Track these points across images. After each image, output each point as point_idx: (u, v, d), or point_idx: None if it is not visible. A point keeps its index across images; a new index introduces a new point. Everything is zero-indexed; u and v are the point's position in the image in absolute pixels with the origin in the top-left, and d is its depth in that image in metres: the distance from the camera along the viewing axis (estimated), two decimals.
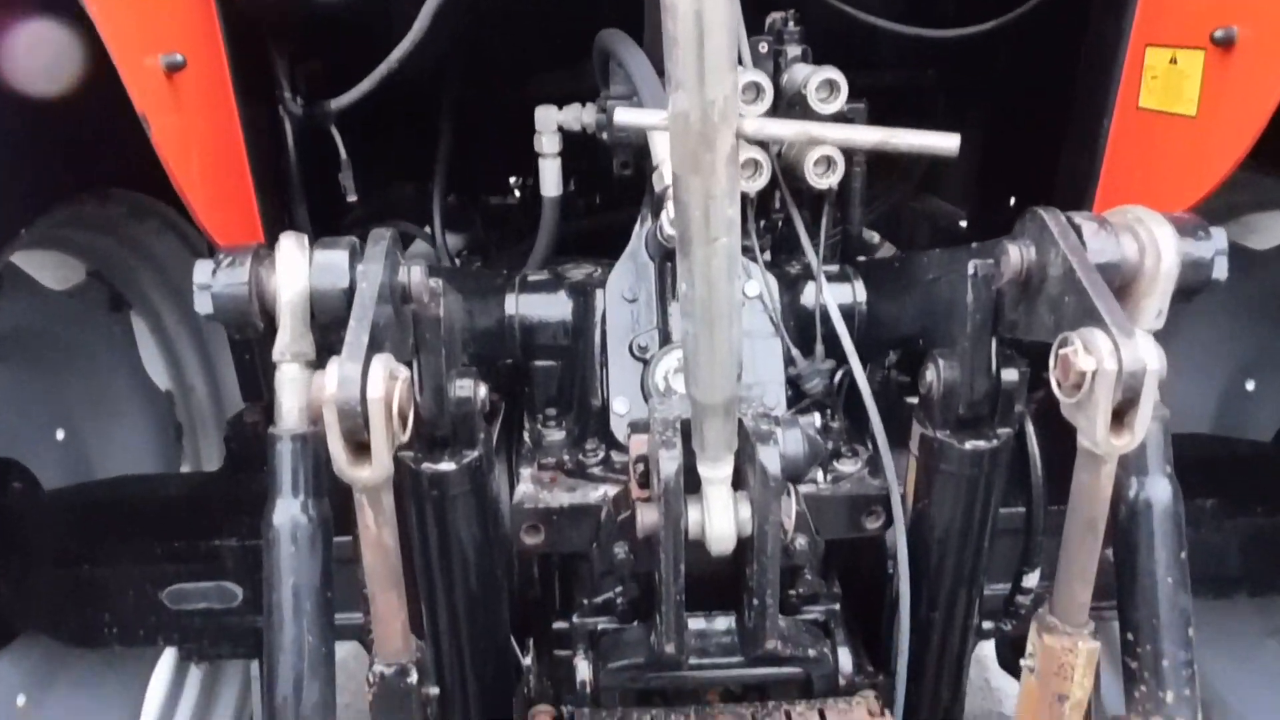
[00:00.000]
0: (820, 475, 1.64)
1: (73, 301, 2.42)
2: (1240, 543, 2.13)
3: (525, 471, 1.71)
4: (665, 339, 1.73)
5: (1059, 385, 1.26)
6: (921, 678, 1.74)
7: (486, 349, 1.83)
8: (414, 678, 1.34)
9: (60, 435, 2.49)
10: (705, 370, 1.25)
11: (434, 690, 1.41)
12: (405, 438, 1.23)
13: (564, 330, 1.84)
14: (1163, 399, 1.46)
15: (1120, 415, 1.22)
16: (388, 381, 1.18)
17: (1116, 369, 1.17)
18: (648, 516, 1.45)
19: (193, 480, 2.53)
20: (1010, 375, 1.55)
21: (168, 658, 2.69)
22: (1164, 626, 1.36)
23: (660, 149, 1.67)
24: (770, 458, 1.38)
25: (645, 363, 1.72)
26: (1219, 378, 2.62)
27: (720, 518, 1.41)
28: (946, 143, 1.05)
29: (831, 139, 1.13)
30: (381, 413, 1.16)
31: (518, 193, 3.18)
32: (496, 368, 1.94)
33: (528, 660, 1.67)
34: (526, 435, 1.84)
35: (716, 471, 1.39)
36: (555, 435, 1.79)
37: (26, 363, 2.33)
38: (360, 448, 1.20)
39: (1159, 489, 1.40)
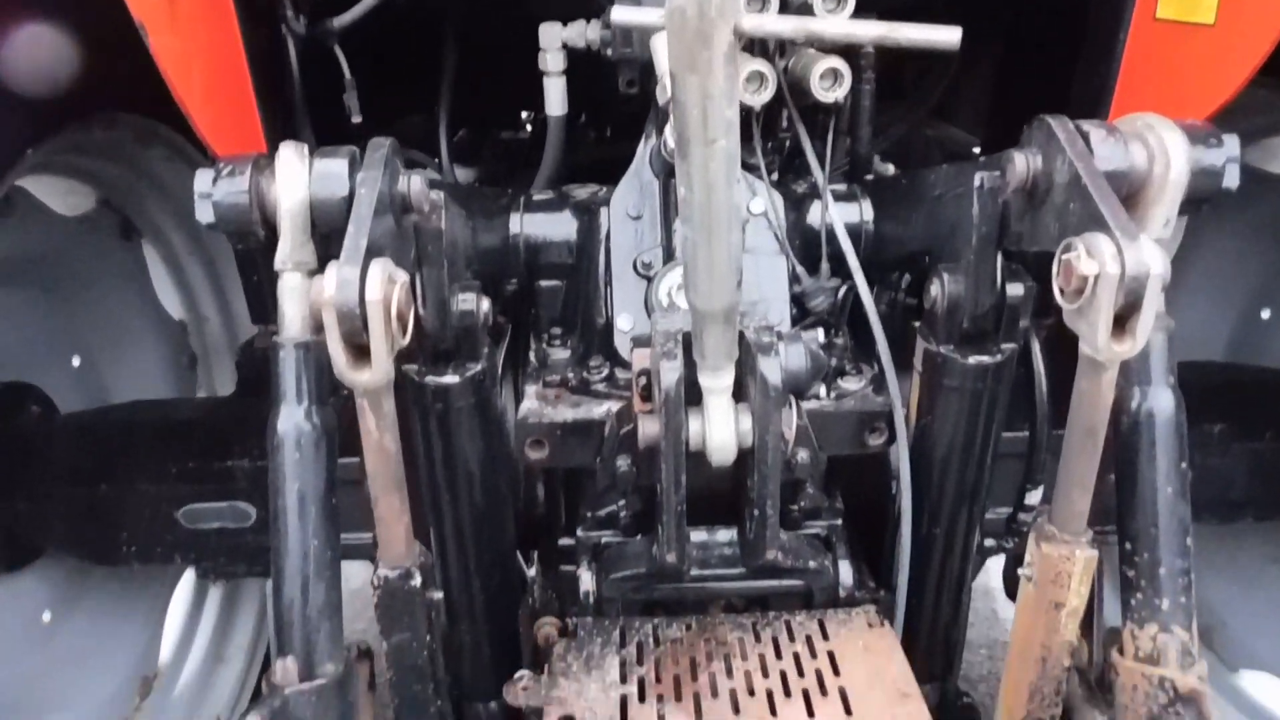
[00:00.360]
0: (823, 391, 1.64)
1: (84, 229, 2.43)
2: (1247, 467, 2.13)
3: (530, 389, 1.72)
4: (669, 256, 1.72)
5: (1061, 292, 1.25)
6: (922, 594, 1.76)
7: (491, 268, 1.83)
8: (417, 580, 1.36)
9: (76, 362, 2.52)
10: (704, 277, 1.25)
11: (438, 595, 1.43)
12: (405, 342, 1.24)
13: (568, 249, 1.84)
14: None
15: (1122, 322, 1.22)
16: (386, 285, 1.18)
17: (1119, 272, 1.16)
18: (649, 428, 1.46)
19: (206, 404, 2.57)
20: (1015, 290, 1.54)
21: (188, 579, 2.75)
22: (1162, 535, 1.37)
23: (662, 60, 1.64)
24: (770, 368, 1.38)
25: (649, 280, 1.72)
26: (1234, 306, 2.59)
27: (720, 428, 1.41)
28: (947, 36, 1.03)
29: (831, 34, 1.11)
30: (380, 315, 1.17)
31: (529, 127, 3.15)
32: (503, 291, 1.94)
33: (532, 572, 1.70)
34: (532, 355, 1.84)
35: (717, 381, 1.40)
36: (560, 354, 1.79)
37: (40, 289, 2.36)
38: (360, 351, 1.21)
39: (1161, 399, 1.39)
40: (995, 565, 2.19)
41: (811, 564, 1.63)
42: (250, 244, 1.37)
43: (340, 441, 1.39)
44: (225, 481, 2.12)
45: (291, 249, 1.33)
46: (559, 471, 1.88)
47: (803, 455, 1.58)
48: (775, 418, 1.41)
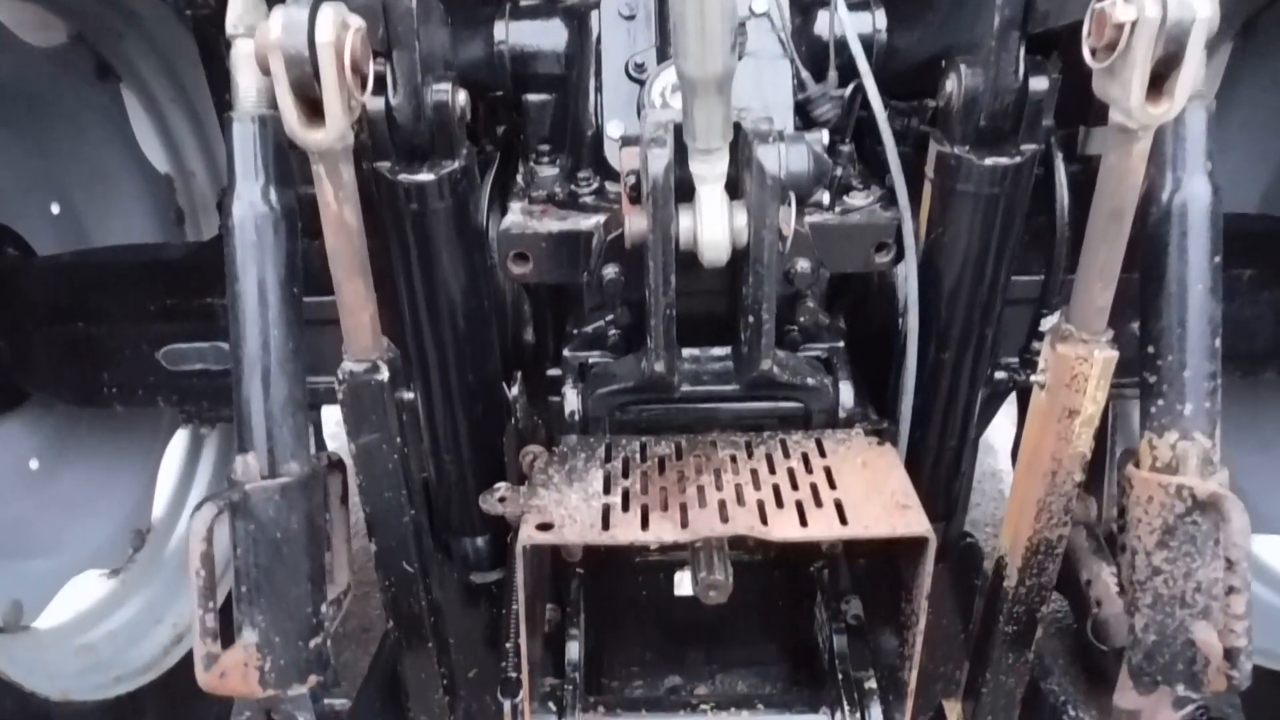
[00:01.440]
0: (827, 200, 1.53)
1: (57, 64, 2.31)
2: (1275, 315, 2.01)
3: (515, 205, 1.61)
4: (663, 56, 1.59)
5: (1092, 53, 1.12)
6: (927, 425, 1.67)
7: (474, 80, 1.70)
8: (384, 375, 1.28)
9: (55, 209, 2.43)
10: (694, 40, 1.12)
11: (408, 395, 1.35)
12: (363, 97, 1.13)
13: (557, 59, 1.71)
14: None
15: (1159, 83, 1.09)
16: (339, 29, 1.07)
17: (1160, 15, 1.03)
18: (636, 224, 1.35)
19: (189, 246, 2.48)
20: (1039, 84, 1.41)
21: (182, 435, 2.71)
22: (1189, 334, 1.26)
23: None
24: (768, 156, 1.26)
25: (641, 83, 1.59)
26: (1269, 159, 2.44)
27: (713, 221, 1.31)
28: None
29: None
30: (332, 61, 1.06)
31: None
32: (492, 113, 1.83)
33: (515, 390, 1.61)
34: (519, 178, 1.73)
35: (710, 168, 1.29)
36: (548, 171, 1.68)
37: (12, 126, 2.25)
38: (313, 108, 1.10)
39: (1196, 186, 1.27)
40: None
41: (810, 381, 1.53)
42: (198, 9, 1.25)
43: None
44: (207, 320, 2.04)
45: (243, 10, 1.21)
46: (545, 296, 1.79)
47: (802, 265, 1.47)
48: (772, 211, 1.30)
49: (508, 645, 1.66)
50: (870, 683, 1.63)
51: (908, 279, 1.55)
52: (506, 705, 1.64)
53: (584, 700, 1.63)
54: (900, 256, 1.56)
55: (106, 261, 2.24)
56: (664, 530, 1.31)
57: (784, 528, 1.30)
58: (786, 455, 1.47)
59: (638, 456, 1.48)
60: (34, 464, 2.37)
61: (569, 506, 1.35)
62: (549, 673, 1.67)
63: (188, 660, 2.34)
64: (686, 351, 1.53)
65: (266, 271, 1.25)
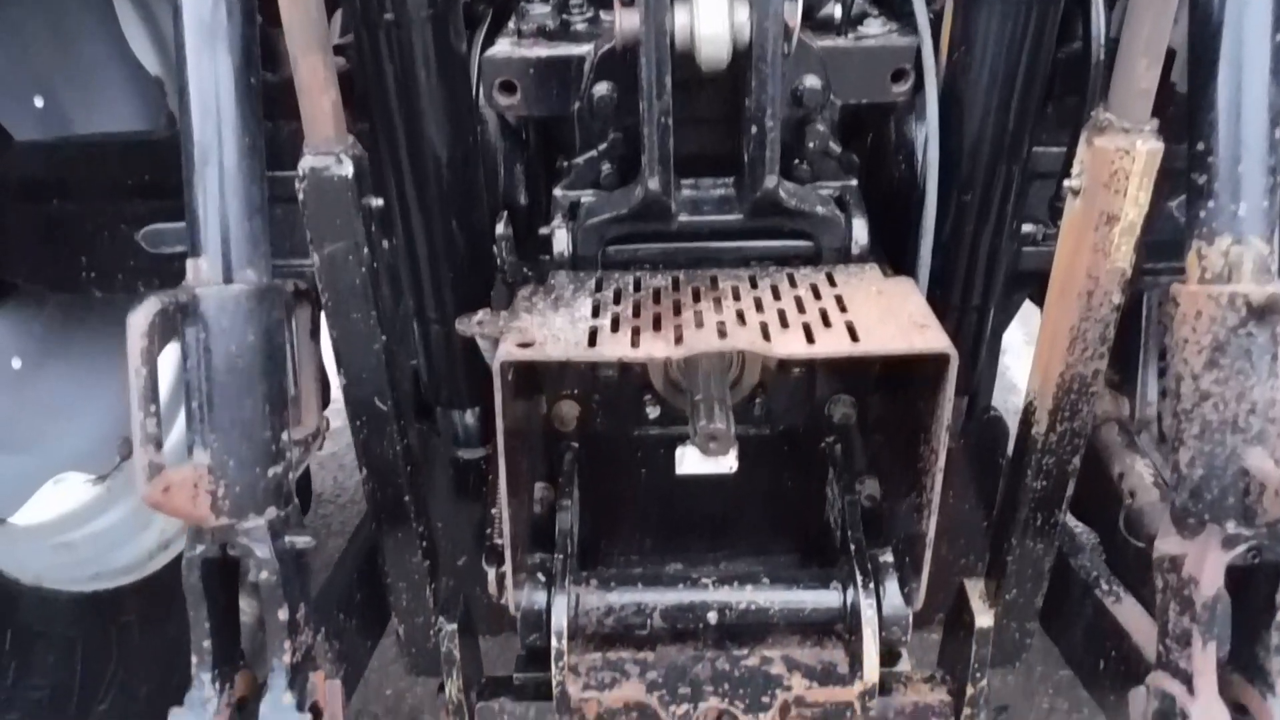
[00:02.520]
0: (839, 14, 1.40)
1: None
2: None
3: (504, 40, 1.50)
4: None
5: None
6: (949, 277, 1.54)
7: None
8: (349, 170, 1.16)
9: (39, 103, 2.34)
10: None
11: (377, 202, 1.24)
12: None
13: None
14: None
15: None
16: None
17: None
18: (628, 22, 1.23)
19: (173, 127, 2.37)
20: None
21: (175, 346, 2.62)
22: (1244, 125, 1.12)
23: None
24: None
25: None
26: None
27: (711, 13, 1.19)
28: None
29: None
30: None
31: None
32: None
33: (501, 227, 1.49)
34: (511, 22, 1.61)
35: None
36: (540, 9, 1.56)
37: None
38: None
39: None
40: None
41: (819, 210, 1.40)
42: None
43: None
44: None
45: None
46: (535, 146, 1.66)
47: (810, 81, 1.35)
48: (776, 2, 1.18)
49: (493, 511, 1.55)
50: (886, 557, 1.50)
51: (927, 108, 1.42)
52: (491, 574, 1.53)
53: (575, 573, 1.51)
54: (919, 85, 1.43)
55: (86, 142, 2.14)
56: (656, 347, 1.19)
57: (788, 344, 1.18)
58: (794, 285, 1.34)
59: (631, 287, 1.36)
60: (16, 363, 2.29)
61: (553, 328, 1.23)
62: (540, 550, 1.56)
63: (173, 565, 2.27)
64: (686, 183, 1.41)
65: (219, 55, 1.13)
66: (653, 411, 1.67)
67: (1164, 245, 1.38)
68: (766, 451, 1.71)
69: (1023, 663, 2.66)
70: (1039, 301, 1.71)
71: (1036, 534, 1.44)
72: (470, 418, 1.76)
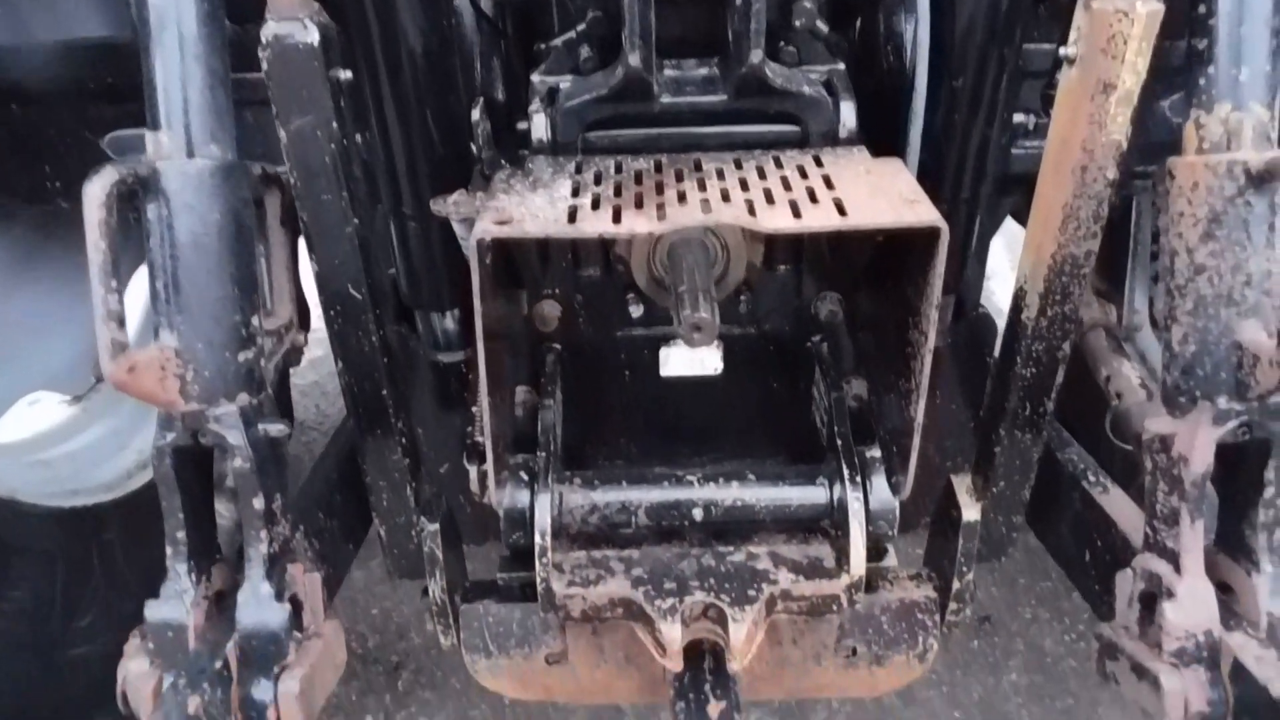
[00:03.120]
0: None
1: None
2: None
3: None
4: None
5: None
6: (939, 165, 1.50)
7: None
8: (314, 38, 1.11)
9: None
10: None
11: (345, 74, 1.18)
12: None
13: None
14: None
15: None
16: None
17: None
18: None
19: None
20: None
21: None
22: None
23: None
24: None
25: None
26: None
27: None
28: None
29: None
30: None
31: None
32: None
33: (476, 114, 1.44)
34: None
35: None
36: None
37: None
38: None
39: None
40: None
41: (806, 90, 1.35)
42: None
43: None
44: None
45: None
46: (513, 32, 1.60)
47: None
48: None
49: (474, 410, 1.52)
50: (873, 452, 1.49)
51: None
52: (473, 472, 1.50)
53: (559, 472, 1.49)
54: None
55: (46, 47, 2.05)
56: (638, 223, 1.15)
57: (775, 219, 1.14)
58: (780, 166, 1.30)
59: (612, 170, 1.32)
60: None
61: (532, 207, 1.19)
62: (522, 452, 1.53)
63: (154, 485, 2.25)
64: (668, 64, 1.36)
65: None
66: (636, 311, 1.64)
67: (1154, 148, 1.34)
68: (752, 353, 1.69)
69: (1006, 576, 2.68)
70: (1023, 219, 1.69)
71: (1025, 424, 1.42)
72: (450, 321, 1.72)
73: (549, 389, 1.58)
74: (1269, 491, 1.17)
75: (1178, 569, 1.19)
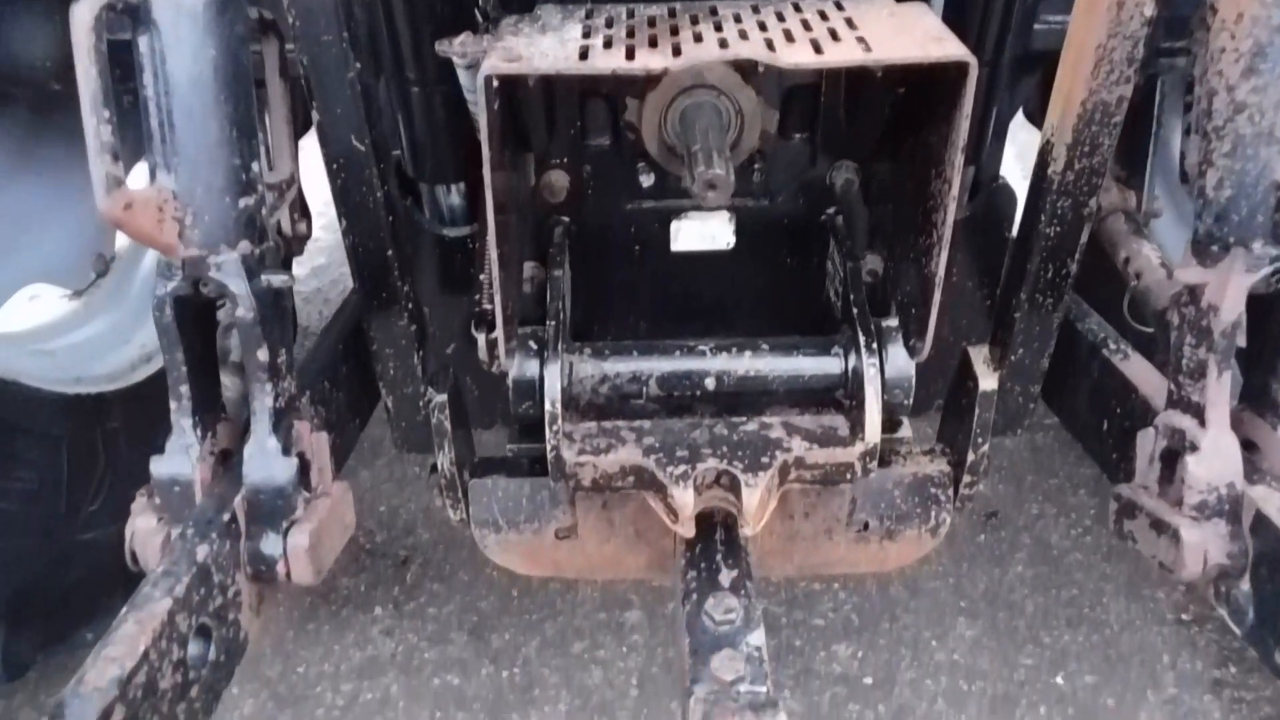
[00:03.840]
0: None
1: None
2: None
3: None
4: None
5: None
6: (965, 20, 1.44)
7: None
8: None
9: None
10: None
11: None
12: None
13: None
14: None
15: None
16: None
17: None
18: None
19: None
20: None
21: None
22: None
23: None
24: None
25: None
26: None
27: None
28: None
29: None
30: None
31: None
32: None
33: None
34: None
35: None
36: None
37: None
38: None
39: None
40: None
41: None
42: None
43: None
44: None
45: None
46: None
47: None
48: None
49: (481, 278, 1.49)
50: (889, 322, 1.45)
51: None
52: (481, 339, 1.48)
53: (568, 342, 1.46)
54: None
55: None
56: (652, 60, 1.10)
57: (795, 55, 1.09)
58: (799, 10, 1.24)
59: (624, 15, 1.26)
60: None
61: (541, 47, 1.14)
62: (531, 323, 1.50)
63: (158, 376, 2.22)
64: None
65: None
66: (646, 181, 1.59)
67: (1180, 23, 1.28)
68: (765, 227, 1.65)
69: (1013, 473, 2.68)
70: (1037, 122, 1.62)
71: (1047, 287, 1.39)
72: (455, 196, 1.68)
73: (557, 259, 1.55)
74: None
75: (1202, 423, 1.16)
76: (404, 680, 2.14)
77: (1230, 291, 1.11)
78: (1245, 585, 1.15)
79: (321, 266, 3.67)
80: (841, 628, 2.23)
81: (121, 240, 2.50)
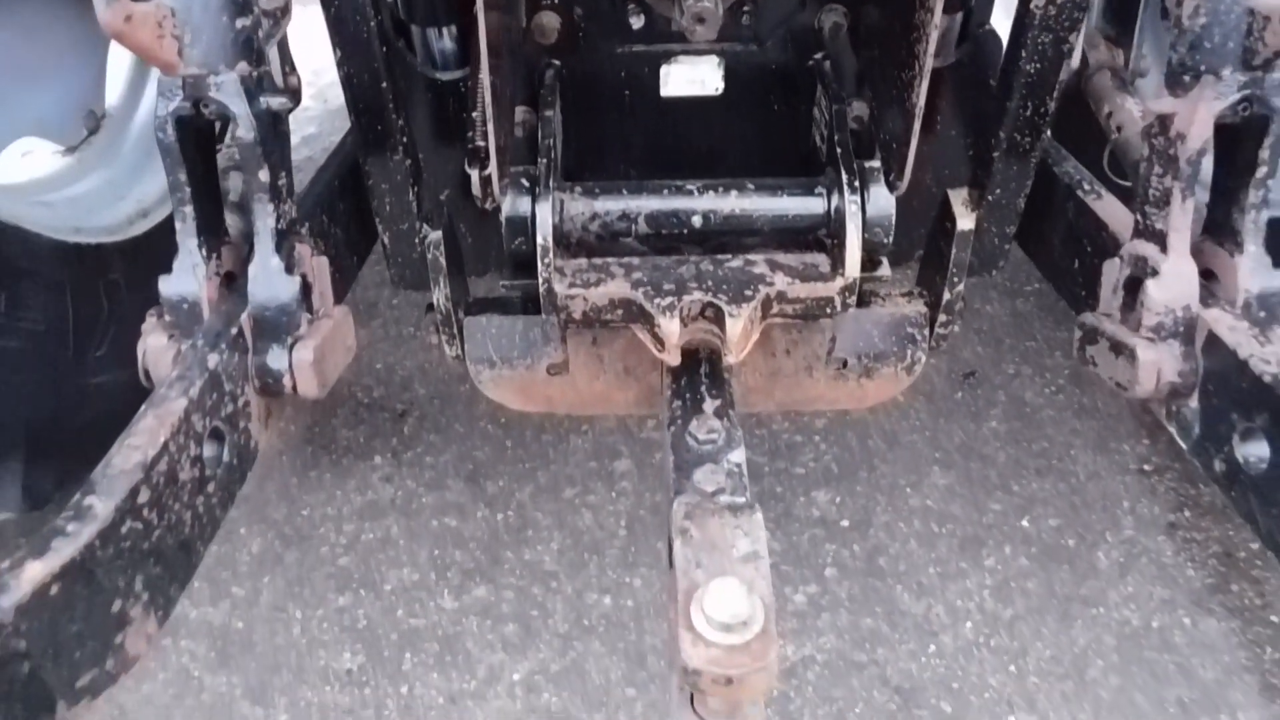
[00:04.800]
0: None
1: None
2: None
3: None
4: None
5: None
6: None
7: None
8: None
9: None
10: None
11: None
12: None
13: None
14: None
15: None
16: None
17: None
18: None
19: None
20: None
21: None
22: None
23: None
24: None
25: None
26: None
27: None
28: None
29: None
30: None
31: None
32: None
33: None
34: None
35: None
36: None
37: None
38: None
39: None
40: None
41: None
42: None
43: None
44: None
45: None
46: None
47: None
48: None
49: (474, 115, 1.51)
50: (872, 163, 1.49)
51: None
52: (474, 176, 1.52)
53: (559, 181, 1.50)
54: None
55: None
56: None
57: None
58: None
59: None
60: None
61: None
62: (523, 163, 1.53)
63: (155, 232, 2.25)
64: None
65: None
66: (636, 22, 1.60)
67: None
68: (754, 72, 1.67)
69: (992, 336, 2.75)
70: None
71: (1025, 125, 1.42)
72: (447, 39, 1.68)
73: (549, 101, 1.57)
74: (1261, 171, 1.19)
75: (1164, 249, 1.22)
76: (404, 522, 2.25)
77: (1198, 119, 1.15)
78: (1194, 403, 1.23)
79: (312, 135, 3.66)
80: (821, 476, 2.34)
81: (112, 97, 2.50)
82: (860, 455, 2.39)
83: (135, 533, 0.97)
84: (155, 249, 2.20)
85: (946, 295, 1.56)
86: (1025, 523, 2.24)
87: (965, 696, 1.90)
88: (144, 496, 0.98)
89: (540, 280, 1.43)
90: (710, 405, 1.38)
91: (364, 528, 2.25)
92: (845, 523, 2.24)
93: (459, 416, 2.51)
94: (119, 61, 2.48)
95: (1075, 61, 1.86)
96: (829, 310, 1.47)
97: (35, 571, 0.86)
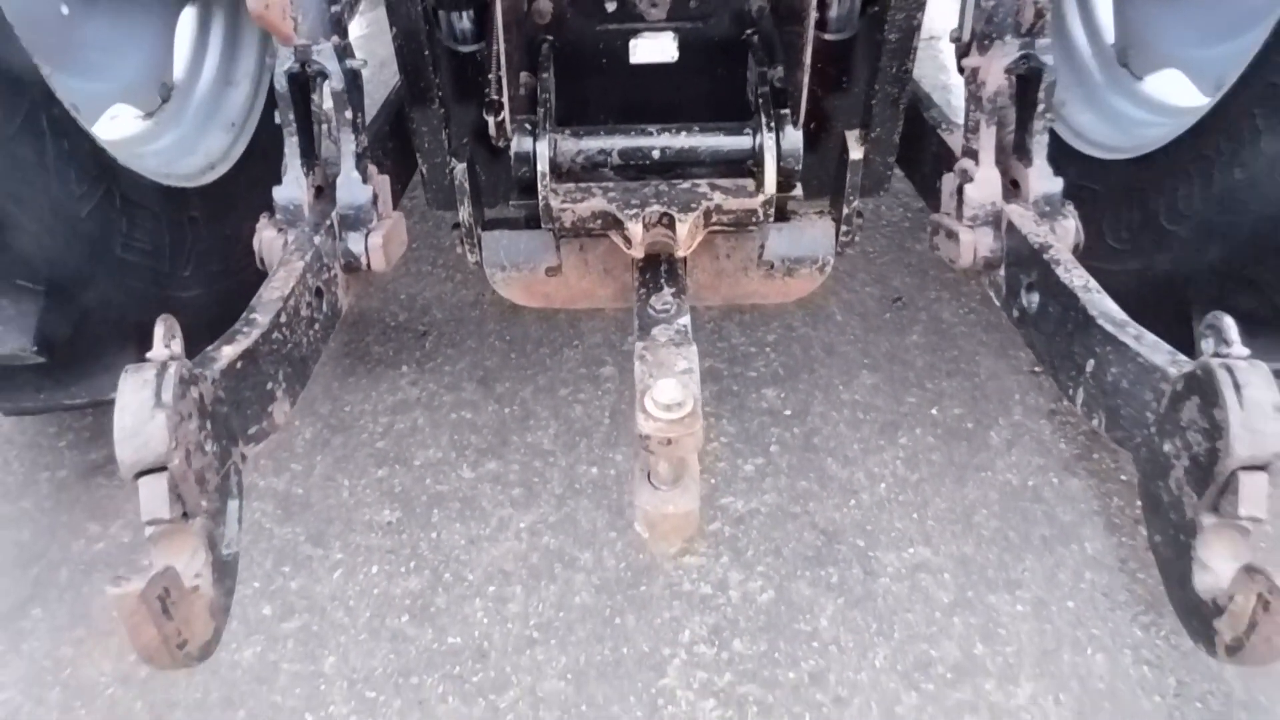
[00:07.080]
0: None
1: None
2: None
3: None
4: None
5: None
6: None
7: None
8: None
9: None
10: None
11: None
12: None
13: None
14: None
15: None
16: None
17: None
18: None
19: None
20: None
21: (190, 12, 2.99)
22: None
23: None
24: None
25: None
26: None
27: None
28: None
29: None
30: None
31: None
32: None
33: None
34: None
35: None
36: None
37: None
38: None
39: None
40: None
41: None
42: None
43: None
44: None
45: None
46: None
47: None
48: None
49: (490, 76, 2.03)
50: (785, 111, 2.01)
51: None
52: (491, 121, 2.03)
53: (554, 126, 2.02)
54: None
55: None
56: None
57: None
58: None
59: None
60: (64, 9, 2.65)
61: None
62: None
63: (222, 179, 2.76)
64: None
65: None
66: (611, 6, 2.12)
67: None
68: (701, 44, 2.18)
69: (918, 268, 3.28)
70: None
71: (891, 80, 1.94)
72: (465, 20, 2.19)
73: (545, 67, 2.09)
74: (1040, 108, 1.71)
75: (977, 162, 1.75)
76: (428, 414, 2.77)
77: (993, 70, 1.67)
78: (1002, 272, 1.75)
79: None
80: (770, 378, 2.87)
81: (178, 72, 3.00)
82: (803, 361, 2.92)
83: (279, 340, 1.49)
84: (223, 194, 2.73)
85: (845, 210, 2.08)
86: (934, 411, 2.76)
87: (876, 536, 2.43)
88: (283, 319, 1.50)
89: (540, 199, 1.95)
90: (667, 288, 1.91)
91: (395, 419, 2.77)
92: (788, 412, 2.76)
93: (471, 334, 3.03)
94: (182, 41, 2.99)
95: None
96: (754, 220, 1.99)
97: (229, 352, 1.38)
